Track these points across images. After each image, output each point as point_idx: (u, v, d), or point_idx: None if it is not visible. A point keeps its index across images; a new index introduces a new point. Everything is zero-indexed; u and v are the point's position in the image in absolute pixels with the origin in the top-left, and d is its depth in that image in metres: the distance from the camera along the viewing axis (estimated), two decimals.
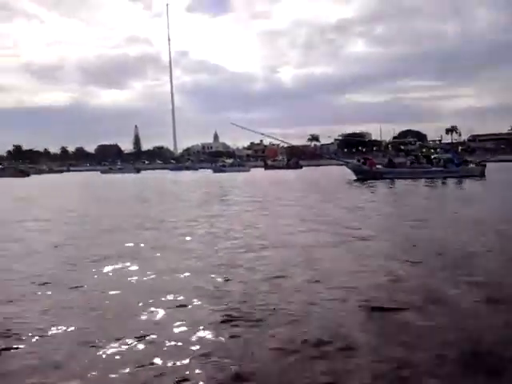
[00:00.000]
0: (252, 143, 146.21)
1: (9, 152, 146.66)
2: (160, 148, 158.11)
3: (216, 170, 74.76)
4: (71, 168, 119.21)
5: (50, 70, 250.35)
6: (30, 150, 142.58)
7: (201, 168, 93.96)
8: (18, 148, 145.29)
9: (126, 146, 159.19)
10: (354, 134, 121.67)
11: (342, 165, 41.56)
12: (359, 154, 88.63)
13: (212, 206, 18.08)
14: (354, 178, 34.80)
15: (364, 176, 33.97)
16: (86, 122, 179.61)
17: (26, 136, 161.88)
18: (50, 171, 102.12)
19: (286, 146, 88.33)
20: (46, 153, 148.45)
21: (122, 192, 31.95)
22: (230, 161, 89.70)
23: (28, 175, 75.97)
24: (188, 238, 10.05)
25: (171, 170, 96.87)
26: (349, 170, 36.82)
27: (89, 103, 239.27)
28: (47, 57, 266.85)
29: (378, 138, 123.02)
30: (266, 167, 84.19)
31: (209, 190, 30.25)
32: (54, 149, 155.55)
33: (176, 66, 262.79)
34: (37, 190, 35.81)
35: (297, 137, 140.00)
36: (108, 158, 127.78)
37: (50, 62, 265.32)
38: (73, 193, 32.51)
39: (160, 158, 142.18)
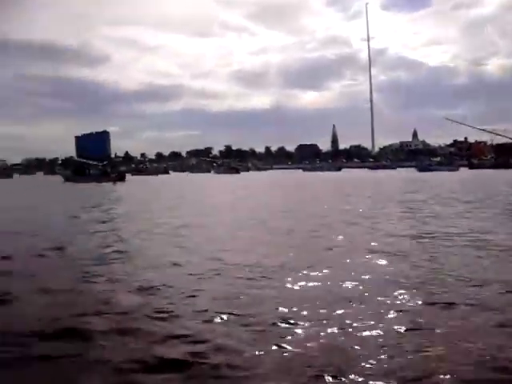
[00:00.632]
0: (455, 141, 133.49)
1: (220, 151, 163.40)
2: (357, 147, 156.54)
3: (422, 169, 69.90)
4: (274, 166, 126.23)
5: (255, 77, 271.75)
6: (239, 150, 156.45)
7: (399, 167, 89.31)
8: (228, 148, 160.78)
9: (324, 146, 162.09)
10: None
11: None
12: None
13: None
14: None
15: None
16: (287, 123, 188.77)
17: (234, 137, 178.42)
18: (256, 169, 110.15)
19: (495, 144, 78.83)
20: (252, 152, 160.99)
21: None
22: (437, 159, 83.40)
23: (238, 172, 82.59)
24: None
25: (370, 168, 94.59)
26: None
27: (289, 105, 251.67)
28: (253, 64, 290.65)
29: None
30: (471, 166, 76.47)
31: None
32: (260, 148, 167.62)
33: (373, 64, 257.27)
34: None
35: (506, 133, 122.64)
36: (307, 157, 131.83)
37: (255, 69, 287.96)
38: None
39: (357, 156, 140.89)
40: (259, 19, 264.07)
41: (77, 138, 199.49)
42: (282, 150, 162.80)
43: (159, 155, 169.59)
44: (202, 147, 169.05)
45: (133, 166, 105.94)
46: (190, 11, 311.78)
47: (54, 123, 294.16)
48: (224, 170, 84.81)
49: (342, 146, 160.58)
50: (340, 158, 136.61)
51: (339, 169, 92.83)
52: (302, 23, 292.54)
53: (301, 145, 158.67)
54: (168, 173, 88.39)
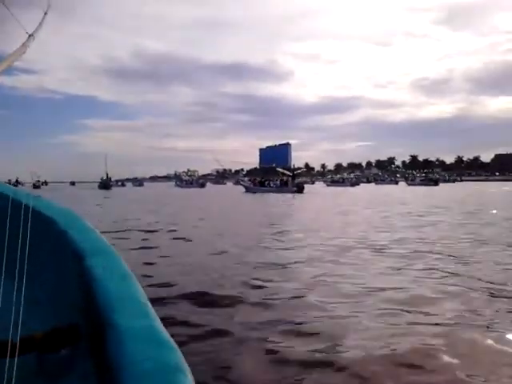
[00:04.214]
0: None
1: (403, 162, 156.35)
2: None
3: None
4: (463, 178, 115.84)
5: (437, 84, 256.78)
6: (426, 160, 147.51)
7: None
8: (414, 158, 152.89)
9: None
10: None
11: None
12: None
13: None
14: None
15: None
16: (476, 131, 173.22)
17: (415, 147, 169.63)
18: (443, 181, 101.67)
19: None
20: (441, 162, 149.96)
21: None
22: None
23: (437, 184, 76.82)
24: None
25: None
26: None
27: (476, 112, 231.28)
28: (436, 71, 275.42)
29: None
30: None
31: None
32: (448, 158, 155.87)
33: None
34: None
35: None
36: (506, 168, 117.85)
37: (438, 76, 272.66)
38: None
39: None
40: (445, 23, 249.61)
41: (260, 150, 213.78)
42: (476, 160, 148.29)
43: (338, 166, 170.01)
44: (379, 158, 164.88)
45: (329, 177, 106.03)
46: (373, 21, 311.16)
47: (240, 137, 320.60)
48: (420, 182, 79.80)
49: None
50: None
51: None
52: (494, 23, 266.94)
53: (498, 154, 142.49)
54: (358, 184, 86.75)
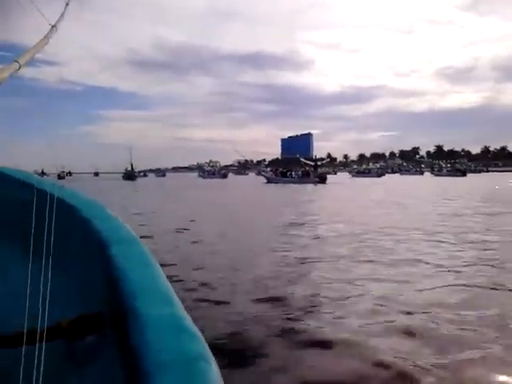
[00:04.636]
0: None
1: (428, 152, 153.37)
2: None
3: None
4: (490, 168, 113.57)
5: (462, 72, 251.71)
6: (451, 150, 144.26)
7: None
8: (439, 148, 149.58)
9: None
10: None
11: None
12: None
13: None
14: None
15: None
16: (503, 120, 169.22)
17: (438, 136, 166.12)
18: (470, 171, 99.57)
19: None
20: (467, 153, 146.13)
21: None
22: None
23: (465, 175, 75.24)
24: None
25: None
26: None
27: (503, 101, 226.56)
28: (460, 59, 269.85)
29: None
30: None
31: None
32: (473, 148, 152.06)
33: None
34: None
35: None
36: None
37: (463, 64, 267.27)
38: None
39: None
40: (470, 9, 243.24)
41: (282, 140, 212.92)
42: (503, 150, 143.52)
43: (361, 156, 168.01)
44: (403, 148, 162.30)
45: (354, 168, 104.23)
46: (394, 8, 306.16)
47: (261, 126, 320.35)
48: (447, 173, 78.15)
49: None
50: None
51: None
52: None
53: None
54: (384, 174, 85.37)
